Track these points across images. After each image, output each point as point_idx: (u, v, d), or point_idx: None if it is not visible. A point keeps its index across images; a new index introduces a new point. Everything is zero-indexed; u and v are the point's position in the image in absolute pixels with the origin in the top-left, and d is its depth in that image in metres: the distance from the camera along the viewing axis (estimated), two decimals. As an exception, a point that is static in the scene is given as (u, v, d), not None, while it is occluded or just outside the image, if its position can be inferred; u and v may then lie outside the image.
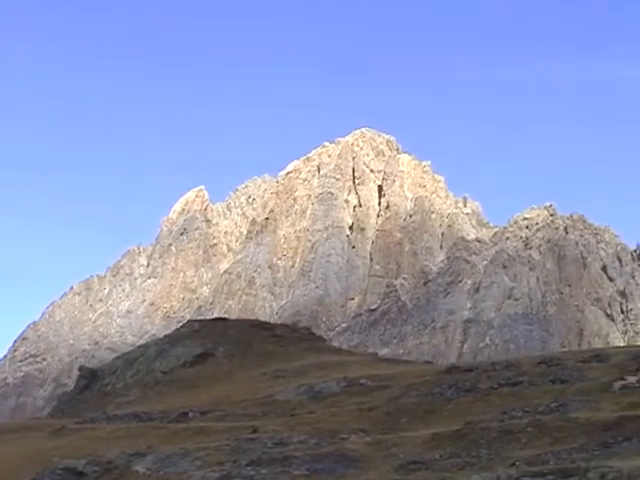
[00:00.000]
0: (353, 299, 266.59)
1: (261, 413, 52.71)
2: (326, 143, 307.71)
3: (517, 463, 32.73)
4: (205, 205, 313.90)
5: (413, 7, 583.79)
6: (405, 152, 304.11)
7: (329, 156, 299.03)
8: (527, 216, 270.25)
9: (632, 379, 52.45)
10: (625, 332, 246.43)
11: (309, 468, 35.59)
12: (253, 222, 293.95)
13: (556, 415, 44.28)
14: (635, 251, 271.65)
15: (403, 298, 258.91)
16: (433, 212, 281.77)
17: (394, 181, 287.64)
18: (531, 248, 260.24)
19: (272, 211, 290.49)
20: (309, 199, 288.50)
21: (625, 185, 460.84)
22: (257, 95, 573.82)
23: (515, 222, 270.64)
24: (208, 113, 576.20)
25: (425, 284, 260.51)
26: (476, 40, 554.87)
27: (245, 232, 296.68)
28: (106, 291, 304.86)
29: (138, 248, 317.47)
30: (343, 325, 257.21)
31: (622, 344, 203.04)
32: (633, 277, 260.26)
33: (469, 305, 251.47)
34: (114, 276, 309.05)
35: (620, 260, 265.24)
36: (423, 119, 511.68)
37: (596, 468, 21.64)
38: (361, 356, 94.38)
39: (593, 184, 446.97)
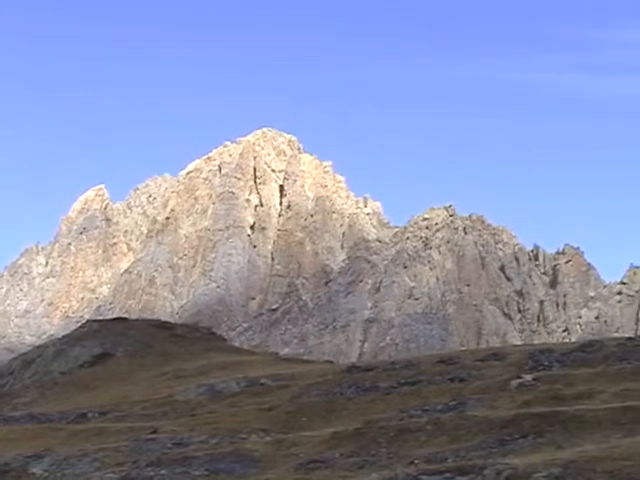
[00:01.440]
0: (254, 299, 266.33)
1: (161, 413, 52.42)
2: (227, 142, 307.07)
3: (416, 461, 33.11)
4: (105, 204, 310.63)
5: (311, 5, 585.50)
6: (306, 152, 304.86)
7: (230, 155, 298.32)
8: (427, 216, 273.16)
9: (528, 377, 53.56)
10: (522, 331, 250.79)
11: (209, 468, 35.52)
12: (154, 221, 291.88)
13: (454, 413, 44.92)
14: (532, 251, 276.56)
15: (304, 298, 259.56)
16: (334, 212, 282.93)
17: (295, 181, 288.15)
18: (431, 248, 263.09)
19: (173, 210, 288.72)
20: (210, 198, 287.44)
21: (523, 187, 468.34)
22: (158, 93, 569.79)
23: (415, 222, 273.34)
24: (108, 110, 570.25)
25: (326, 284, 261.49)
26: (375, 40, 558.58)
27: (146, 231, 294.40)
28: (3, 291, 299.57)
29: (37, 247, 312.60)
30: (244, 325, 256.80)
31: (519, 343, 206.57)
32: (530, 277, 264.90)
33: (370, 305, 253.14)
34: (12, 275, 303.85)
35: (518, 260, 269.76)
36: (324, 119, 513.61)
37: (492, 465, 21.99)
38: (262, 356, 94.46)
39: (492, 185, 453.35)
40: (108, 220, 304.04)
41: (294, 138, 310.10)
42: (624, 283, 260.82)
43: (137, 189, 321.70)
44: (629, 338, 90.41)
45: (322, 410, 50.77)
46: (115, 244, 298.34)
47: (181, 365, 73.92)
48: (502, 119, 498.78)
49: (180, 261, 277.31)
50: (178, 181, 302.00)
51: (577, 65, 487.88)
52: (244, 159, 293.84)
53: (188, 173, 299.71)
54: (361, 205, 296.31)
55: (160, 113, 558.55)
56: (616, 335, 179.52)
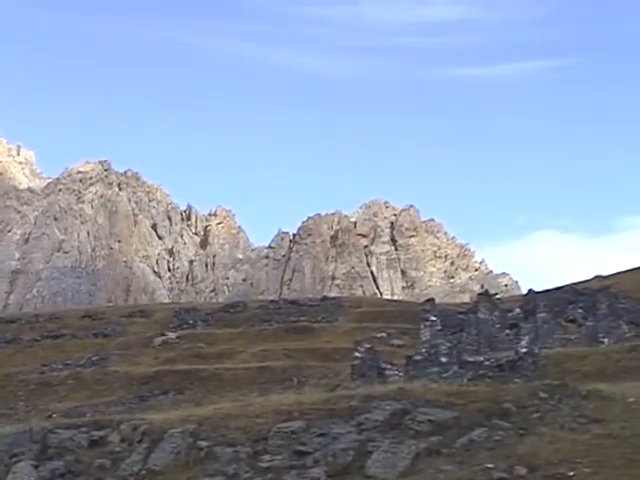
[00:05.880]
0: None
1: None
2: None
3: (54, 415, 32.93)
4: None
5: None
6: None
7: None
8: (82, 170, 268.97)
9: (172, 335, 54.66)
10: (171, 289, 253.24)
11: None
12: None
13: (96, 368, 45.09)
14: (185, 211, 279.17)
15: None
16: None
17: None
18: (84, 202, 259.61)
19: None
20: None
21: (176, 145, 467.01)
22: None
23: (69, 175, 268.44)
24: None
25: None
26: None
27: None
28: None
29: None
30: None
31: (168, 301, 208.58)
32: (181, 236, 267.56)
33: (18, 255, 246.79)
34: None
35: (170, 219, 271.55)
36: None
37: (129, 420, 22.25)
38: None
39: (147, 142, 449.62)
40: None
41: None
42: (272, 247, 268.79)
43: None
44: (272, 301, 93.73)
45: (-41, 362, 49.22)
46: None
47: None
48: (165, 77, 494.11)
49: None
50: None
51: (230, 31, 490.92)
52: None
53: None
54: (13, 153, 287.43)
55: None
56: (261, 297, 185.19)
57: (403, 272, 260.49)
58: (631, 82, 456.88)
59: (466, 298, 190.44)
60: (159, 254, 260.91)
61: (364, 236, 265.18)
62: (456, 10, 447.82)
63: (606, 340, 45.05)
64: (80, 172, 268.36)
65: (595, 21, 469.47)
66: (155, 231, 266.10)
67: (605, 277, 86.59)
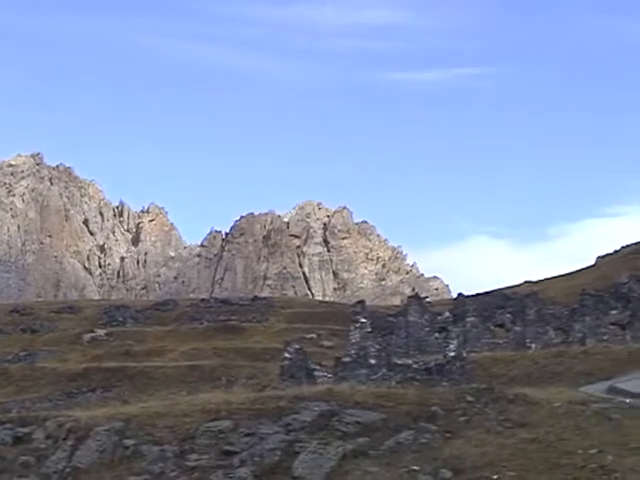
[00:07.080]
0: None
1: None
2: None
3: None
4: None
5: None
6: None
7: None
8: (13, 163, 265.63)
9: (101, 332, 54.30)
10: (102, 286, 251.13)
11: None
12: None
13: (23, 364, 44.62)
14: (117, 207, 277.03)
15: None
16: None
17: None
18: (14, 195, 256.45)
19: None
20: None
21: (115, 143, 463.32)
22: None
23: (0, 168, 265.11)
24: None
25: None
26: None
27: None
28: None
29: None
30: None
31: (98, 297, 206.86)
32: (113, 233, 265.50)
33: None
34: None
35: (102, 215, 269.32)
36: None
37: (55, 417, 22.02)
38: None
39: (81, 137, 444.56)
40: None
41: None
42: (204, 246, 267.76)
43: None
44: (203, 299, 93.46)
45: None
46: None
47: None
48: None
49: None
50: None
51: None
52: None
53: None
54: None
55: None
56: (192, 296, 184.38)
57: (335, 273, 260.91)
58: (564, 89, 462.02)
59: (397, 301, 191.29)
60: (90, 250, 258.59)
61: (297, 237, 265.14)
62: (393, 15, 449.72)
63: (533, 345, 45.62)
64: (11, 165, 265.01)
65: (527, 29, 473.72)
66: (87, 227, 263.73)
67: (535, 283, 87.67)
